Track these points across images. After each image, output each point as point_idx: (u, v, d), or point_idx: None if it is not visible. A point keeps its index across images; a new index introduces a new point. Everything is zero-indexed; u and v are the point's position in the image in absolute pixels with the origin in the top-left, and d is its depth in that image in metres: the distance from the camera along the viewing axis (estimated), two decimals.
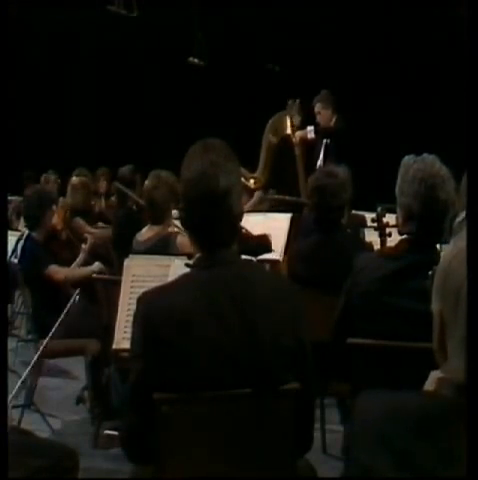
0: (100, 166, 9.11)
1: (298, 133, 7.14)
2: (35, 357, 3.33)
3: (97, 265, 4.92)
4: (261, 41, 9.91)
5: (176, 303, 2.03)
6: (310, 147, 7.24)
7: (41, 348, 3.31)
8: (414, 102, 8.59)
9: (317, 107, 7.06)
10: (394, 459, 1.26)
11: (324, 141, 7.08)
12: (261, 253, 4.71)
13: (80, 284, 5.01)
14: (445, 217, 2.60)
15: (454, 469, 1.23)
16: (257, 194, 6.97)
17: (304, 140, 7.14)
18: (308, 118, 7.24)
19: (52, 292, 4.69)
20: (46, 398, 4.84)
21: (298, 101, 7.25)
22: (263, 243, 4.71)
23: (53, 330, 3.32)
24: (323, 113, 7.05)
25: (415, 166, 2.57)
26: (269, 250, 4.76)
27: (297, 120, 7.25)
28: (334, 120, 7.05)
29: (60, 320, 3.33)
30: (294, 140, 7.16)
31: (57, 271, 4.71)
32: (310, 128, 7.07)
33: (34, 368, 3.40)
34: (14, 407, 4.07)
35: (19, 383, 3.26)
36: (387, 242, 3.55)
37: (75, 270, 4.90)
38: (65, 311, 3.38)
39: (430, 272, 1.44)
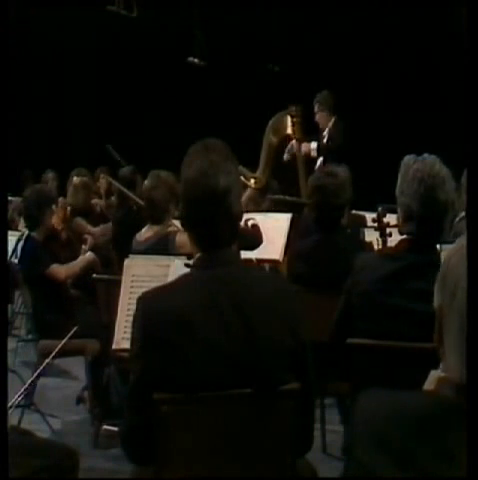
0: (100, 166, 9.10)
1: (303, 147, 7.13)
2: (48, 359, 3.34)
3: (89, 254, 4.96)
4: (261, 41, 9.90)
5: (176, 303, 2.03)
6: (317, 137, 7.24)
7: (56, 350, 3.32)
8: (414, 102, 8.59)
9: (315, 108, 7.14)
10: (394, 459, 1.27)
11: (325, 140, 7.09)
12: (257, 246, 4.69)
13: (80, 283, 5.02)
14: (445, 217, 2.60)
15: (454, 469, 1.23)
16: (250, 191, 6.93)
17: (307, 155, 7.13)
18: (308, 119, 7.26)
19: (52, 292, 4.69)
20: (46, 398, 4.83)
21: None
22: (256, 236, 4.68)
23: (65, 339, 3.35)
24: (320, 115, 7.12)
25: (415, 166, 2.57)
26: (261, 241, 4.74)
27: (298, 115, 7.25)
28: (332, 121, 7.08)
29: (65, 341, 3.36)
30: (297, 153, 7.14)
31: (58, 271, 4.73)
32: (314, 146, 7.08)
33: (37, 370, 3.43)
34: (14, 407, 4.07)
35: (26, 385, 3.28)
36: (387, 242, 3.55)
37: (73, 266, 4.90)
38: (66, 339, 3.40)
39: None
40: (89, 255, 4.97)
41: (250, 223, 4.63)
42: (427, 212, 2.55)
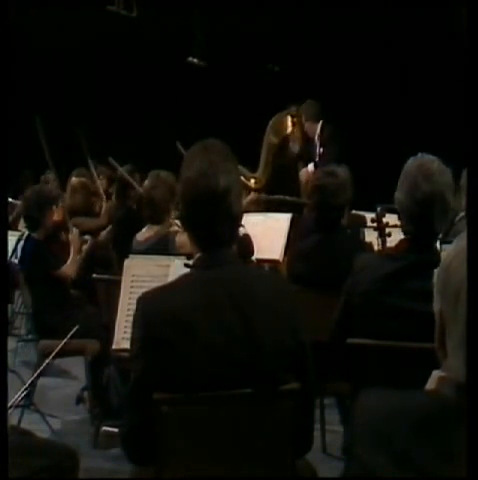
0: (99, 166, 9.06)
1: (303, 176, 7.15)
2: (48, 359, 3.35)
3: (74, 234, 5.05)
4: (261, 41, 9.90)
5: (176, 303, 2.03)
6: (310, 148, 7.26)
7: (56, 350, 3.33)
8: (414, 102, 8.59)
9: (302, 118, 7.22)
10: (394, 458, 1.27)
11: (318, 148, 7.12)
12: (248, 256, 4.67)
13: (80, 283, 5.02)
14: (444, 217, 2.60)
15: (454, 469, 1.23)
16: (252, 194, 6.98)
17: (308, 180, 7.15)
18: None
19: (52, 292, 4.70)
20: (46, 398, 4.84)
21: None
22: (248, 245, 4.65)
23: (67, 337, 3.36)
24: (306, 124, 7.20)
25: (415, 167, 2.57)
26: (252, 252, 4.71)
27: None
28: (319, 128, 7.11)
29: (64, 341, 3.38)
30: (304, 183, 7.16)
31: (66, 270, 4.79)
32: (311, 168, 7.11)
33: (37, 369, 3.45)
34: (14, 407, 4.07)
35: (27, 385, 3.29)
36: (387, 242, 3.56)
37: (72, 263, 4.91)
38: (66, 338, 3.42)
39: (434, 272, 1.44)
40: (74, 236, 5.03)
41: (241, 233, 4.56)
42: (427, 212, 2.55)
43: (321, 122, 7.11)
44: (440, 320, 1.36)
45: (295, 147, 7.27)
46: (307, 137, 7.26)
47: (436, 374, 1.39)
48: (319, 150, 7.11)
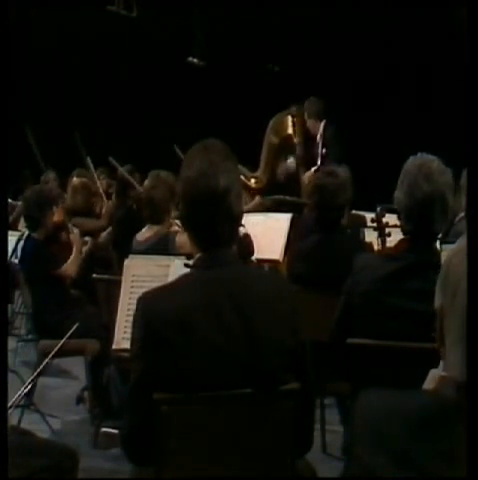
0: (99, 166, 9.06)
1: (306, 178, 7.15)
2: (48, 357, 3.35)
3: (75, 235, 5.09)
4: (261, 41, 9.90)
5: (176, 303, 2.03)
6: (310, 149, 7.27)
7: (56, 349, 3.33)
8: (414, 102, 8.59)
9: (305, 115, 7.21)
10: (394, 458, 1.27)
11: (320, 148, 7.12)
12: (248, 256, 4.66)
13: (80, 283, 5.03)
14: (444, 217, 2.60)
15: (454, 469, 1.23)
16: (257, 199, 7.00)
17: (286, 173, 7.19)
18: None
19: (53, 292, 4.70)
20: (46, 398, 4.83)
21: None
22: (248, 245, 4.65)
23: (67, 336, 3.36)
24: (309, 122, 7.19)
25: (415, 167, 2.58)
26: (253, 251, 4.71)
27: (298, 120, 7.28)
28: (322, 127, 7.10)
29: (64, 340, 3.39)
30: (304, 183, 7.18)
31: (66, 269, 4.80)
32: (291, 162, 7.13)
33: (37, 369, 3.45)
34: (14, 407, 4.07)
35: (27, 384, 3.28)
36: (387, 242, 3.56)
37: (74, 263, 4.92)
38: (66, 336, 3.42)
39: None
40: (76, 236, 5.06)
41: (242, 232, 4.53)
42: (426, 212, 2.55)
43: (324, 122, 7.09)
44: (441, 316, 1.37)
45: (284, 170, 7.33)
46: (309, 136, 7.25)
47: (434, 373, 1.39)
48: (321, 150, 7.11)
